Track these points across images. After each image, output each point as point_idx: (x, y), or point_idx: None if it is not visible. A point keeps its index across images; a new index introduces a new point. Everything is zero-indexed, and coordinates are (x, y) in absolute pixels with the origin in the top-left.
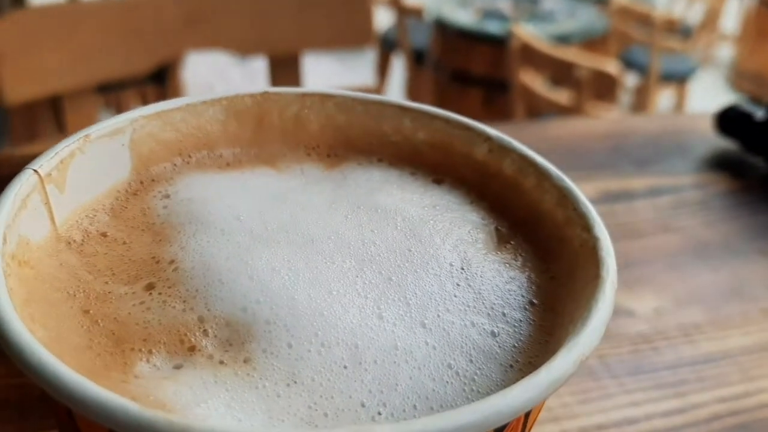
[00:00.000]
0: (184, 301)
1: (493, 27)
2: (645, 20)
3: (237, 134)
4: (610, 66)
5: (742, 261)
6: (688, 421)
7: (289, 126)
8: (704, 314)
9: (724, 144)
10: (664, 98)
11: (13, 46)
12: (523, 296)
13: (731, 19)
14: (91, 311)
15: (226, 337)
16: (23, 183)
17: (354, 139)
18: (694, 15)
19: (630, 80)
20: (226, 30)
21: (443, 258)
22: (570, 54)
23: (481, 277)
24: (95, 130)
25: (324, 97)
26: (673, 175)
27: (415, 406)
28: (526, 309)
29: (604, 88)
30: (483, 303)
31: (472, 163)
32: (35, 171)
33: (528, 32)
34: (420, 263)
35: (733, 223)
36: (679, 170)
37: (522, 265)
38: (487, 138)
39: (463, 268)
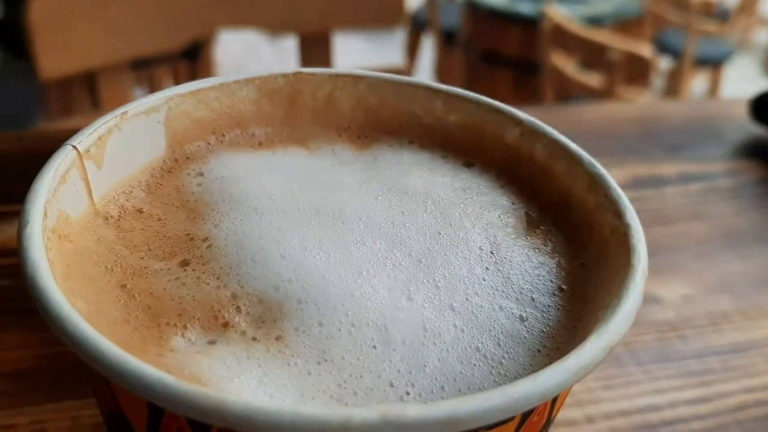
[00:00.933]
0: (218, 278)
1: (525, 7)
2: (681, 3)
3: (269, 114)
4: (644, 49)
5: None
6: (714, 410)
7: (321, 106)
8: (733, 303)
9: (759, 131)
10: (698, 83)
11: (49, 22)
12: (552, 281)
13: None
14: (128, 285)
15: (259, 314)
16: (62, 158)
17: (385, 120)
18: None
19: (664, 64)
20: (258, 8)
21: (473, 241)
22: (602, 36)
23: (510, 261)
24: (132, 108)
25: (356, 79)
26: (704, 162)
27: (443, 388)
28: (554, 294)
29: (636, 71)
30: (512, 287)
31: (503, 147)
32: (74, 147)
33: (560, 13)
34: (449, 246)
35: (764, 212)
36: (711, 157)
37: (552, 250)
38: (519, 122)
39: (492, 252)
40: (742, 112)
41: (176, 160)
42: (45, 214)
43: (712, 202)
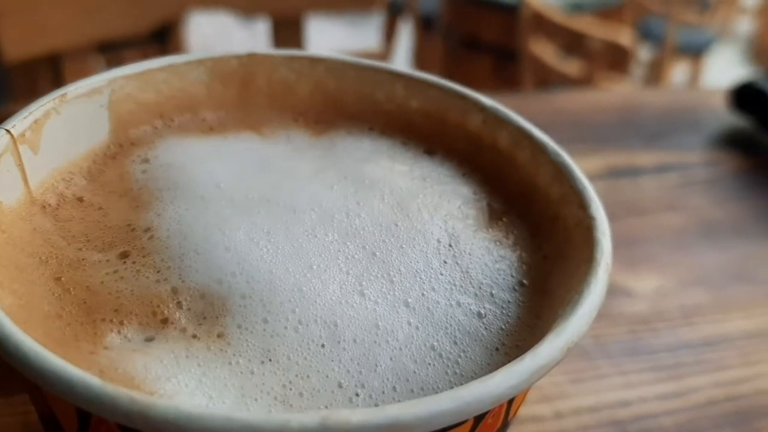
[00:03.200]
0: (158, 272)
1: None
2: None
3: (221, 97)
4: (623, 37)
5: (751, 242)
6: (684, 405)
7: (276, 90)
8: (707, 296)
9: (737, 121)
10: (679, 71)
11: (13, 3)
12: (512, 276)
13: None
14: (62, 278)
15: (201, 310)
16: None
17: (345, 105)
18: None
19: (645, 52)
20: None
21: (431, 234)
22: (582, 24)
23: (469, 254)
24: (72, 89)
25: (314, 61)
26: (682, 152)
27: (394, 388)
28: (515, 290)
29: (617, 59)
30: (470, 282)
31: (466, 134)
32: (7, 131)
33: (541, 0)
34: (406, 239)
35: (742, 204)
36: (689, 147)
37: (513, 243)
38: (482, 108)
39: (451, 245)
40: (721, 103)
41: (120, 145)
42: None
43: (689, 193)
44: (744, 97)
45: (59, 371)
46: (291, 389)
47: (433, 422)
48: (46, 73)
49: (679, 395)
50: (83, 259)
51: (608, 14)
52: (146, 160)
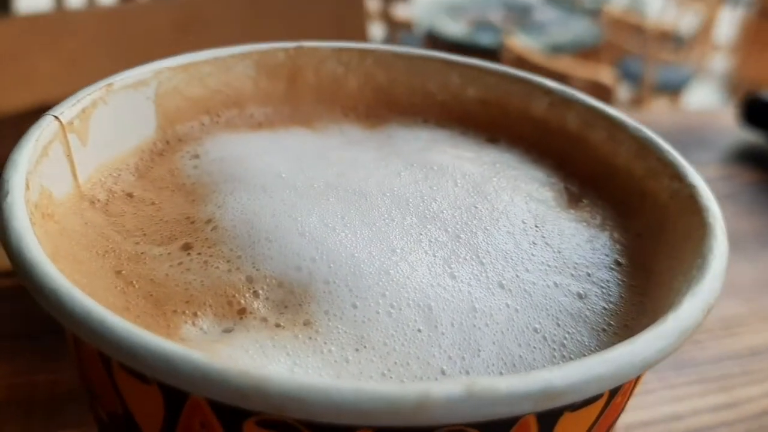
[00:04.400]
0: (228, 261)
1: (485, 39)
2: (638, 31)
3: (269, 92)
4: (604, 75)
5: None
6: (739, 416)
7: (324, 84)
8: (744, 307)
9: (747, 137)
10: (658, 108)
11: (1, 54)
12: (607, 255)
13: (725, 30)
14: (123, 272)
15: (280, 298)
16: (43, 129)
17: (396, 98)
18: (685, 25)
19: (624, 91)
20: (218, 40)
21: (514, 215)
22: (563, 64)
23: (559, 235)
24: (119, 79)
25: (363, 53)
26: (698, 169)
27: (501, 374)
28: (612, 269)
29: (599, 98)
30: (564, 262)
31: (531, 120)
32: (56, 117)
33: (520, 44)
34: (489, 220)
35: (764, 215)
36: (704, 163)
37: (601, 223)
38: (548, 91)
39: (537, 226)
40: (730, 120)
41: (168, 142)
42: (27, 185)
43: None
44: (754, 111)
45: (155, 346)
46: (391, 377)
47: (585, 388)
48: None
49: (731, 406)
50: (143, 253)
51: (587, 55)
52: (196, 156)
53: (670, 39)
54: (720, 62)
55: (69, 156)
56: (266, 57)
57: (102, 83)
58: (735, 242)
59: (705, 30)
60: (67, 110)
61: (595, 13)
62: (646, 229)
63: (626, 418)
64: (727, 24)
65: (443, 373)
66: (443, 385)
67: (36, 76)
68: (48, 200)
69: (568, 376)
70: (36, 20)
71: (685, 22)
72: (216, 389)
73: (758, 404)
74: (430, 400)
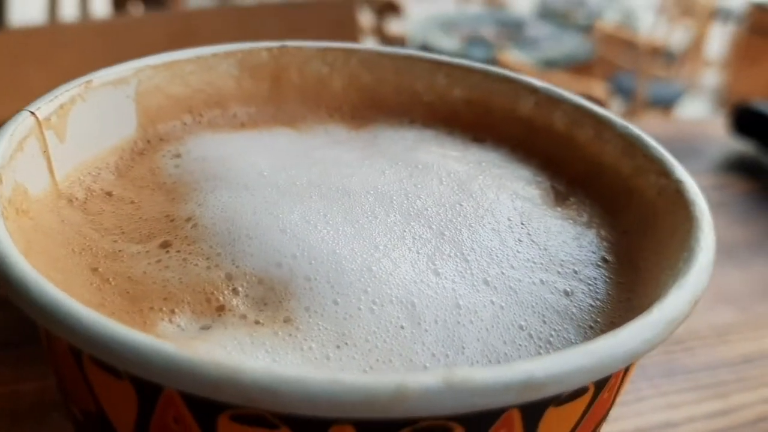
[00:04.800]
0: (208, 258)
1: (478, 53)
2: (630, 46)
3: (252, 92)
4: (597, 90)
5: None
6: (734, 423)
7: (309, 84)
8: (736, 314)
9: (738, 147)
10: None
11: None
12: (593, 252)
13: (716, 45)
14: (100, 269)
15: (260, 295)
16: (18, 124)
17: (382, 99)
18: (676, 41)
19: (617, 105)
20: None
21: (499, 212)
22: (556, 79)
23: (545, 232)
24: (98, 76)
25: (348, 52)
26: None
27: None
28: (599, 266)
29: None
30: (551, 260)
31: (517, 119)
32: (32, 113)
33: (513, 58)
34: (474, 218)
35: (756, 223)
36: (696, 172)
37: (588, 220)
38: (534, 90)
39: (523, 223)
40: (721, 130)
41: (148, 141)
42: (0, 180)
43: None
44: (744, 120)
45: (126, 338)
46: None
47: (566, 380)
48: None
49: (726, 413)
50: (120, 251)
51: (579, 70)
52: (178, 155)
53: (662, 54)
54: (711, 77)
55: (46, 152)
56: (250, 56)
57: (81, 80)
58: (727, 250)
59: (696, 46)
60: (44, 106)
61: (587, 29)
62: (633, 226)
63: (620, 426)
64: (718, 40)
65: (426, 369)
66: (421, 376)
67: (29, 88)
68: (23, 196)
69: (550, 366)
70: (29, 33)
71: (676, 38)
72: (188, 380)
73: (753, 411)
74: (408, 390)
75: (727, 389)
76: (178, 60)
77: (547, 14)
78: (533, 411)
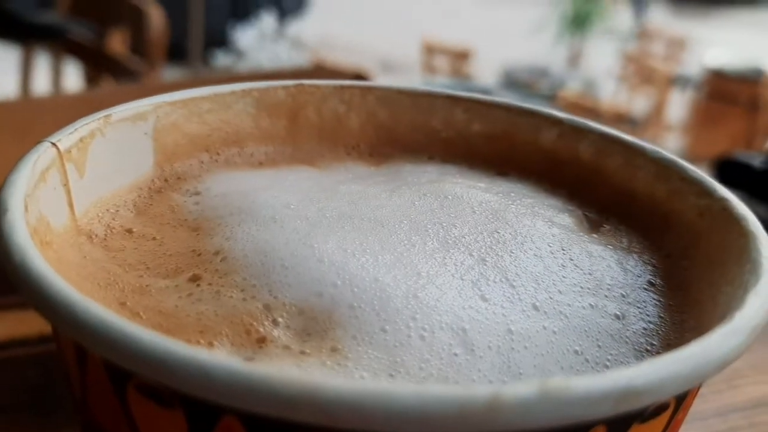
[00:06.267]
0: (243, 290)
1: None
2: (594, 113)
3: (269, 131)
4: None
5: None
6: None
7: (326, 123)
8: (741, 359)
9: None
10: None
11: None
12: (639, 276)
13: (676, 111)
14: (128, 303)
15: (302, 325)
16: (40, 154)
17: (399, 136)
18: (638, 107)
19: None
20: None
21: (539, 239)
22: None
23: (587, 258)
24: (117, 112)
25: (364, 90)
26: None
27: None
28: (646, 289)
29: None
30: (597, 284)
31: (540, 152)
32: (53, 144)
33: None
34: (514, 244)
35: None
36: None
37: (627, 246)
38: (556, 122)
39: (563, 249)
40: None
41: (166, 179)
42: (26, 207)
43: None
44: (727, 172)
45: (186, 355)
46: None
47: (663, 388)
48: None
49: None
50: (147, 285)
51: None
52: (197, 193)
53: (626, 120)
54: (673, 141)
55: (66, 186)
56: (266, 95)
57: (100, 114)
58: None
59: (657, 111)
60: (64, 138)
61: (551, 98)
62: (675, 248)
63: None
64: (678, 105)
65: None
66: (514, 386)
67: (4, 161)
68: (46, 228)
69: (648, 373)
70: (4, 107)
71: (638, 104)
72: (259, 398)
73: None
74: (502, 401)
75: None
76: (195, 97)
77: (511, 85)
78: (619, 427)
